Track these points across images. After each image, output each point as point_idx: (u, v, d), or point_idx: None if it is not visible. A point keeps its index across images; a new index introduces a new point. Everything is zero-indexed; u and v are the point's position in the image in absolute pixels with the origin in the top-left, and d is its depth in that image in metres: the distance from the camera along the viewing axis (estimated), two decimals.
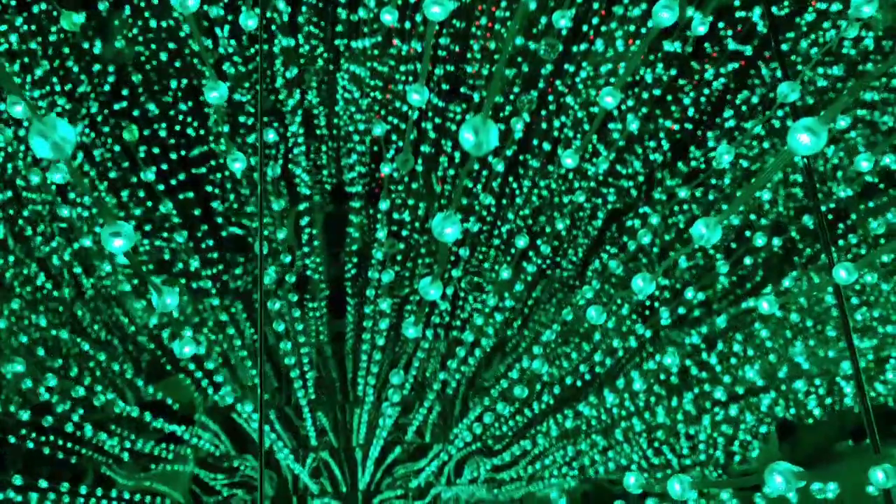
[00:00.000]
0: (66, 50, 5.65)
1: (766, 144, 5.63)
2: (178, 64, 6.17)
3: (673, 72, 5.56)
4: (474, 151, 1.09)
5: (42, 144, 1.00)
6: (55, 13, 5.41)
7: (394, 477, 5.68)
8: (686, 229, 5.79)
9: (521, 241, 2.65)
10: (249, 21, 1.86)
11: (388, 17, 2.21)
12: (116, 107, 5.98)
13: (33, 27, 5.53)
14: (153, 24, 6.08)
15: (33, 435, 5.02)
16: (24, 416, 4.26)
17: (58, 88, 5.48)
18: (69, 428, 4.56)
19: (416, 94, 1.68)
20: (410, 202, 5.88)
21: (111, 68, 5.94)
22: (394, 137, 5.86)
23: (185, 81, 6.22)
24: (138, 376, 5.76)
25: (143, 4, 6.05)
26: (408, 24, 5.46)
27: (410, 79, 5.81)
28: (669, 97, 6.02)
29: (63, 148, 1.01)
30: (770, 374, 5.19)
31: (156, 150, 5.67)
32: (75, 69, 5.65)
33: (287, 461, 5.43)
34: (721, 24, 5.71)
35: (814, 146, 1.10)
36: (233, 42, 5.50)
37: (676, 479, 1.30)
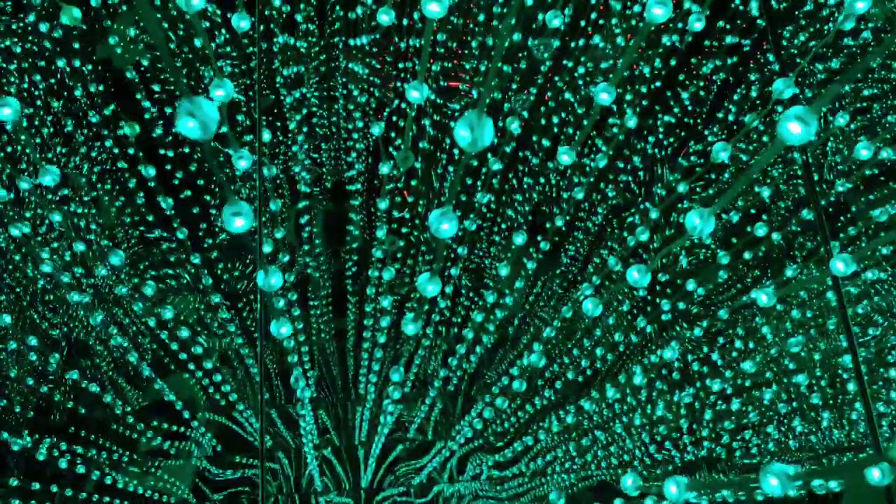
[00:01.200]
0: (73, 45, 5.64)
1: (765, 138, 5.63)
2: (178, 63, 6.17)
3: (672, 62, 5.55)
4: (470, 148, 1.09)
5: (190, 123, 1.02)
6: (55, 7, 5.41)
7: (396, 474, 5.69)
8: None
9: (520, 238, 2.65)
10: (242, 22, 1.86)
11: (385, 18, 2.22)
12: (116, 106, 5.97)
13: (30, 26, 5.54)
14: (152, 20, 6.07)
15: (36, 436, 5.03)
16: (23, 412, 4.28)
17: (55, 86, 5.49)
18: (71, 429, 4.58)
19: (415, 92, 1.69)
20: (410, 199, 5.89)
21: (110, 65, 5.95)
22: (392, 135, 5.86)
23: (184, 80, 6.21)
24: (140, 375, 5.76)
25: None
26: (405, 21, 5.46)
27: (409, 76, 5.81)
28: (668, 92, 6.02)
29: (209, 127, 1.04)
30: (772, 367, 5.19)
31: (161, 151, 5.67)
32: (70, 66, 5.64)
33: (307, 450, 5.43)
34: (721, 21, 5.70)
35: (804, 135, 1.11)
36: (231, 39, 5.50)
37: (672, 480, 1.30)
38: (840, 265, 1.67)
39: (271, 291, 1.51)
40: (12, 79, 5.68)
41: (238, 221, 1.19)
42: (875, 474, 1.45)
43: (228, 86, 1.60)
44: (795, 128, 1.07)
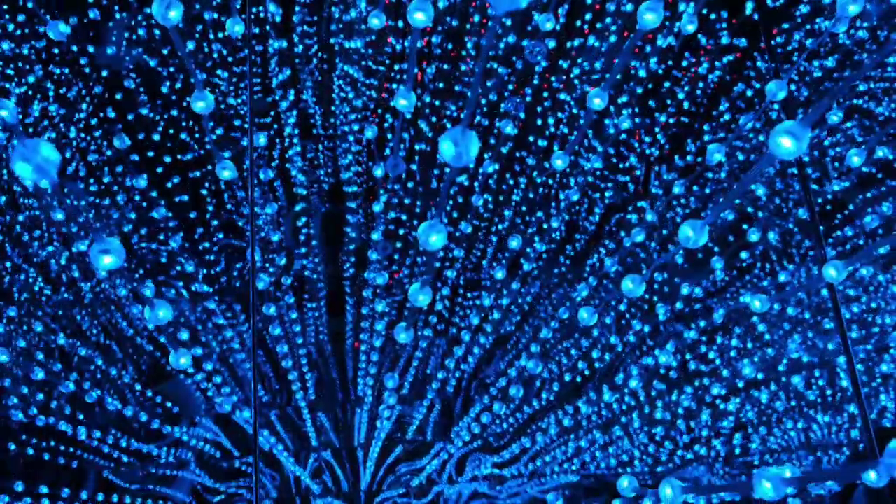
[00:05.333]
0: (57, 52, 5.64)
1: (762, 137, 5.62)
2: (171, 68, 6.17)
3: (669, 62, 5.55)
4: (454, 162, 1.09)
5: (25, 168, 1.01)
6: (46, 17, 5.39)
7: (396, 476, 5.69)
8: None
9: (515, 242, 2.64)
10: (236, 27, 1.85)
11: (377, 21, 2.22)
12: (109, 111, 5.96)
13: (27, 31, 5.53)
14: (143, 27, 6.07)
15: (34, 441, 5.03)
16: (20, 416, 4.28)
17: (51, 94, 5.48)
18: (67, 428, 4.56)
19: (403, 100, 1.69)
20: (407, 201, 5.88)
21: (104, 73, 5.93)
22: (389, 136, 5.86)
23: (178, 85, 6.21)
24: (138, 379, 5.77)
25: (135, 4, 6.05)
26: (401, 24, 5.46)
27: (404, 77, 5.79)
28: (665, 89, 6.02)
29: (47, 170, 1.02)
30: (769, 366, 5.19)
31: (150, 154, 5.66)
32: (67, 72, 5.64)
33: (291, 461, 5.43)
34: (717, 18, 5.69)
35: (795, 150, 1.10)
36: (223, 44, 5.49)
37: (667, 483, 1.30)
38: (832, 272, 1.66)
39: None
40: (9, 84, 5.67)
41: (106, 259, 1.18)
42: (871, 475, 1.45)
43: (209, 98, 1.60)
44: (786, 143, 1.06)
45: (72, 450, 5.26)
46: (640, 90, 5.18)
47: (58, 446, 5.20)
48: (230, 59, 5.70)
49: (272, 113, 6.06)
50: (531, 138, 5.66)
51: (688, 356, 5.29)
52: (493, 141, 5.55)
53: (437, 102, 5.96)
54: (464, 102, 5.91)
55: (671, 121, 6.12)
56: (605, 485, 6.15)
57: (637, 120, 6.20)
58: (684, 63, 6.09)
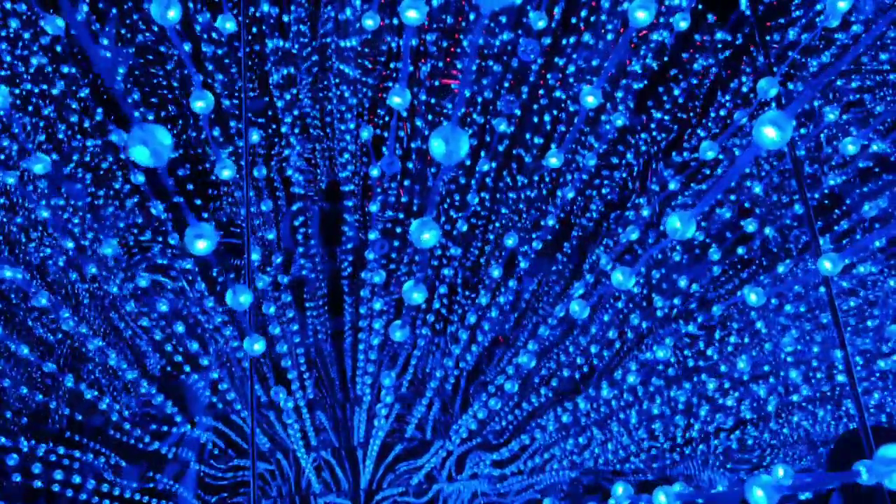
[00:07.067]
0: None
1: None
2: (169, 66, 6.17)
3: (665, 58, 5.55)
4: (444, 160, 1.09)
5: (142, 152, 1.02)
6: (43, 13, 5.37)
7: (396, 474, 5.69)
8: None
9: (511, 240, 2.64)
10: (227, 24, 1.86)
11: (371, 23, 2.22)
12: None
13: (21, 31, 5.53)
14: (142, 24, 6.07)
15: (32, 443, 5.03)
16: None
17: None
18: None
19: (398, 98, 1.69)
20: (404, 199, 5.87)
21: (99, 72, 5.93)
22: (386, 135, 5.86)
23: (175, 83, 6.21)
24: (139, 379, 5.75)
25: (130, 4, 6.06)
26: (396, 21, 5.46)
27: (400, 75, 5.78)
28: (661, 87, 6.02)
29: (161, 154, 1.04)
30: (767, 361, 5.20)
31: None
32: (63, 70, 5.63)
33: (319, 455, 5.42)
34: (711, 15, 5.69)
35: (780, 140, 1.10)
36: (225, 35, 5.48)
37: (661, 490, 1.30)
38: (827, 264, 1.67)
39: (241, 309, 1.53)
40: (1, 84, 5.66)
41: (200, 244, 1.19)
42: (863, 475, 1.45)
43: (209, 97, 1.60)
44: (770, 133, 1.07)
45: (74, 452, 5.26)
46: (636, 86, 5.18)
47: (56, 447, 5.20)
48: (227, 61, 5.70)
49: (269, 112, 6.06)
50: (527, 136, 5.67)
51: (686, 352, 5.30)
52: (489, 138, 5.55)
53: (432, 100, 5.97)
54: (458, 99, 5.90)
55: (667, 117, 6.13)
56: (603, 482, 6.15)
57: (634, 117, 6.21)
58: (681, 58, 6.10)
